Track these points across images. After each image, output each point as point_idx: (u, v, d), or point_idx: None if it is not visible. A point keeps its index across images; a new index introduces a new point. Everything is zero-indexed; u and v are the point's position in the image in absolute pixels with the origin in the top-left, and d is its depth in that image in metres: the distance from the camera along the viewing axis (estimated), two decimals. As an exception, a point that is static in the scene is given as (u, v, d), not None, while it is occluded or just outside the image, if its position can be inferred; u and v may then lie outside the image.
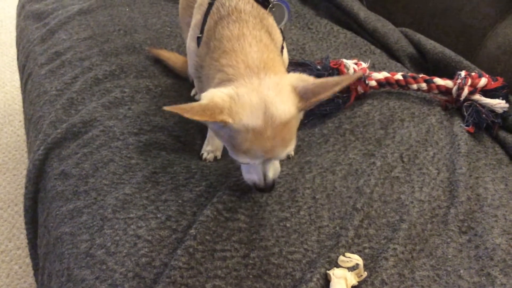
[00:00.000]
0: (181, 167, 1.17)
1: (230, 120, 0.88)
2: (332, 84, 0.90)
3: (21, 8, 1.94)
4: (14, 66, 2.86)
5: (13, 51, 2.96)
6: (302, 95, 0.92)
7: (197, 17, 1.12)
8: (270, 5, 1.11)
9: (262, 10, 1.08)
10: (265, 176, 0.98)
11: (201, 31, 1.08)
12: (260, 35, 1.01)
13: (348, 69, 1.36)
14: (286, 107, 0.90)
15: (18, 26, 1.91)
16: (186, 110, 0.86)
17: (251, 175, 1.00)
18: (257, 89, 0.91)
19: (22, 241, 1.87)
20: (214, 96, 0.90)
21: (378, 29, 1.66)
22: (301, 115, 0.98)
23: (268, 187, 1.00)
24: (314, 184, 1.13)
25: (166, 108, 0.85)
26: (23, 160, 2.28)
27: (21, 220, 1.96)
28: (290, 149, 0.96)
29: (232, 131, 0.90)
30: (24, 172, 2.24)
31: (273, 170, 0.99)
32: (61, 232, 1.07)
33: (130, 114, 1.32)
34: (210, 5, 1.08)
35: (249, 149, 0.91)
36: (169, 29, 1.67)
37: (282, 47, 1.13)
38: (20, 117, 2.55)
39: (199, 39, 1.09)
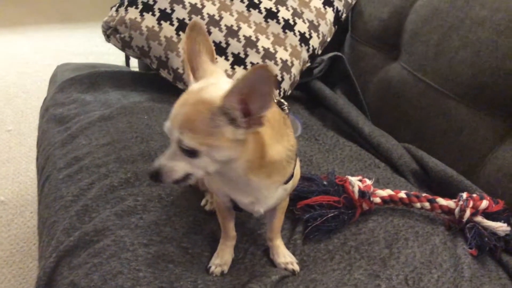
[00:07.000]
0: (187, 282, 1.19)
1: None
2: None
3: (45, 110, 2.04)
4: (30, 156, 2.94)
5: (30, 142, 3.07)
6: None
7: None
8: (285, 112, 1.17)
9: (283, 114, 1.14)
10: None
11: None
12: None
13: (353, 186, 1.41)
14: (215, 95, 0.89)
15: (40, 127, 2.00)
16: None
17: None
18: (227, 82, 0.96)
19: None
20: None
21: (382, 144, 1.73)
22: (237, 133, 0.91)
23: (150, 172, 0.95)
24: (319, 306, 1.13)
25: None
26: (30, 253, 2.29)
27: (23, 317, 1.93)
28: (188, 141, 0.89)
29: None
30: (31, 266, 2.24)
31: (169, 160, 0.93)
32: None
33: (141, 224, 1.36)
34: None
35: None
36: (183, 136, 1.75)
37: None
38: (32, 208, 2.59)
39: None
